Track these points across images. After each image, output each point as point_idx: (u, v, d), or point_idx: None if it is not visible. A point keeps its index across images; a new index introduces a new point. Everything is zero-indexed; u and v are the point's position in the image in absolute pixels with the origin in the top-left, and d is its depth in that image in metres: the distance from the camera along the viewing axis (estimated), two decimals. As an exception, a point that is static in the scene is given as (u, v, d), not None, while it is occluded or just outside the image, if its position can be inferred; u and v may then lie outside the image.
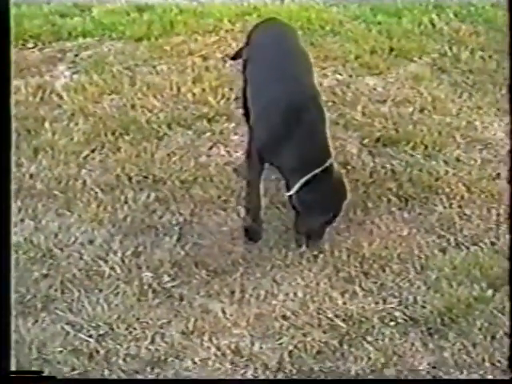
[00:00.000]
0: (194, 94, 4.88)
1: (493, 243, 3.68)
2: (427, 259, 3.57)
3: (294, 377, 3.02)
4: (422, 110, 4.84)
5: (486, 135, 4.59)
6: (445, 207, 3.92)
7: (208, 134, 4.48)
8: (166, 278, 3.41)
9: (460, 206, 3.93)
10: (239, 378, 3.02)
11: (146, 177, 4.06)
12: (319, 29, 5.93)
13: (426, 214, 3.88)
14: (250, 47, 4.07)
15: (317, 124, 3.53)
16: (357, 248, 3.60)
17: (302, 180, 3.39)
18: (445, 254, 3.61)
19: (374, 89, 5.11)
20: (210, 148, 4.36)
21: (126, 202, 3.87)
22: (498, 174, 4.20)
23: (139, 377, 3.01)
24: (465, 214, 3.88)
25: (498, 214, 3.87)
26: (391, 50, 5.62)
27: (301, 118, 3.46)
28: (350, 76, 5.23)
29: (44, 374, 2.86)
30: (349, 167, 4.20)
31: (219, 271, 3.45)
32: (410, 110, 4.84)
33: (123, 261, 3.49)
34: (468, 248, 3.65)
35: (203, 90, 4.92)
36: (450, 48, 5.67)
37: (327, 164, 3.44)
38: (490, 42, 5.82)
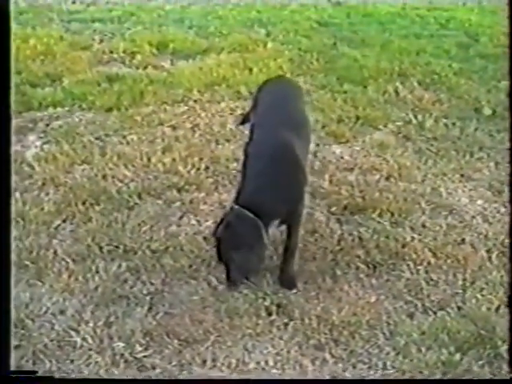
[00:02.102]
0: (164, 164, 4.95)
1: (459, 308, 3.73)
2: (396, 325, 3.61)
3: None
4: (388, 178, 4.94)
5: (451, 201, 4.70)
6: (412, 273, 3.98)
7: (178, 203, 4.54)
8: (137, 348, 3.42)
9: (427, 272, 4.00)
10: None
11: (116, 247, 4.09)
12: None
13: (393, 280, 3.94)
14: (255, 112, 4.20)
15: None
16: (326, 315, 3.64)
17: None
18: (413, 319, 3.66)
19: (341, 157, 5.22)
20: (180, 217, 4.42)
21: (97, 272, 3.90)
22: (463, 239, 4.28)
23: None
24: (431, 280, 3.94)
25: (464, 279, 3.94)
26: (357, 118, 5.77)
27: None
28: (318, 145, 5.34)
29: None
30: (317, 235, 4.27)
31: (191, 340, 3.47)
32: (377, 177, 4.94)
33: (95, 331, 3.50)
34: (435, 313, 3.70)
35: (173, 159, 5.00)
36: (415, 116, 5.82)
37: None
38: (452, 109, 6.00)
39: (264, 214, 3.58)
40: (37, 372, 3.01)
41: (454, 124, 5.75)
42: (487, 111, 5.96)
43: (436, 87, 6.39)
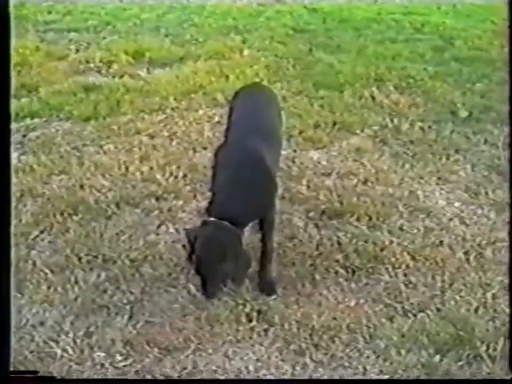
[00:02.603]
0: (141, 173, 4.96)
1: (439, 309, 3.75)
2: (375, 328, 3.63)
3: None
4: (365, 182, 4.96)
5: (428, 204, 4.72)
6: (391, 276, 4.00)
7: (156, 212, 4.54)
8: (118, 358, 3.42)
9: (405, 275, 4.02)
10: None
11: (95, 256, 4.09)
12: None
13: (372, 283, 3.96)
14: (230, 118, 4.21)
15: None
16: (306, 320, 3.65)
17: None
18: (392, 322, 3.68)
19: (319, 162, 5.24)
20: (159, 226, 4.42)
21: (76, 283, 3.89)
22: (441, 242, 4.31)
23: None
24: (410, 282, 3.96)
25: (443, 281, 3.96)
26: (334, 123, 5.80)
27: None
28: (295, 151, 5.36)
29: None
30: (295, 240, 4.28)
31: (171, 349, 3.47)
32: (354, 182, 4.97)
33: (75, 341, 3.49)
34: (415, 315, 3.72)
35: (151, 168, 5.01)
36: (391, 120, 5.86)
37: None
38: (428, 112, 6.05)
39: (238, 223, 3.59)
40: (37, 372, 3.02)
41: (430, 127, 5.78)
42: (463, 113, 6.01)
43: (412, 91, 6.43)
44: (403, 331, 3.60)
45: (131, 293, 3.84)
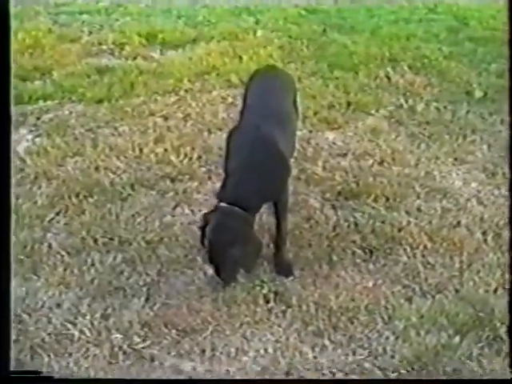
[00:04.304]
0: (156, 155, 4.93)
1: (457, 290, 3.73)
2: (394, 309, 3.60)
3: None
4: (381, 163, 4.92)
5: (445, 184, 4.68)
6: (408, 257, 3.97)
7: (171, 193, 4.52)
8: (136, 339, 3.41)
9: (423, 255, 3.99)
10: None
11: (111, 238, 4.07)
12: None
13: (390, 264, 3.93)
14: (245, 102, 4.17)
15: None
16: (324, 301, 3.63)
17: None
18: (411, 303, 3.65)
19: (334, 143, 5.20)
20: (174, 208, 4.40)
21: (92, 265, 3.88)
22: (459, 222, 4.27)
23: None
24: (428, 263, 3.93)
25: (461, 262, 3.93)
26: (349, 104, 5.75)
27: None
28: (310, 131, 5.32)
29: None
30: (312, 222, 4.25)
31: (189, 330, 3.45)
32: (370, 162, 4.93)
33: (92, 323, 3.48)
34: (433, 296, 3.69)
35: (165, 150, 4.98)
36: (406, 100, 5.80)
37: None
38: (443, 93, 5.98)
39: (248, 208, 3.57)
40: (38, 372, 3.02)
41: (445, 107, 5.73)
42: (478, 94, 5.95)
43: (427, 71, 6.36)
44: (422, 312, 3.57)
45: (148, 275, 3.82)
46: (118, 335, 3.41)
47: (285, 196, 3.84)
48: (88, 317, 3.53)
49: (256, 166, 3.65)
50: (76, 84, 6.02)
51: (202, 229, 3.60)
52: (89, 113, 5.58)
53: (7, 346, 2.66)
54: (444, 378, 3.26)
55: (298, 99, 4.51)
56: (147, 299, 3.66)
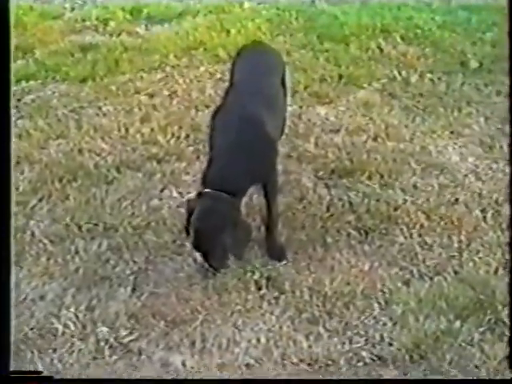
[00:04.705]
0: (142, 135, 4.77)
1: (456, 272, 3.59)
2: (391, 293, 3.47)
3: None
4: (375, 138, 4.77)
5: (441, 160, 4.54)
6: (405, 237, 3.83)
7: (158, 175, 4.36)
8: (122, 332, 3.26)
9: (420, 235, 3.85)
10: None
11: (96, 224, 3.92)
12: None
13: (386, 245, 3.79)
14: (231, 80, 3.99)
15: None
16: (318, 286, 3.49)
17: None
18: (409, 286, 3.52)
19: (326, 118, 5.04)
20: (162, 190, 4.24)
21: (77, 253, 3.73)
22: (457, 199, 4.13)
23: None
24: (426, 243, 3.80)
25: (460, 241, 3.79)
26: (340, 77, 5.58)
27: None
28: (301, 107, 5.15)
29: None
30: (305, 202, 4.10)
31: (178, 321, 3.31)
32: (364, 138, 4.77)
33: (77, 316, 3.34)
34: (432, 279, 3.56)
35: (151, 129, 4.81)
36: (399, 72, 5.64)
37: None
38: (437, 63, 5.82)
39: (235, 191, 3.42)
40: (38, 372, 2.93)
41: (439, 79, 5.56)
42: (473, 64, 5.78)
43: (420, 42, 6.18)
44: (420, 296, 3.44)
45: (135, 262, 3.68)
46: (103, 328, 3.26)
47: (273, 177, 3.69)
48: (72, 309, 3.38)
49: (241, 148, 3.49)
50: (59, 63, 5.83)
51: (188, 217, 3.43)
52: (72, 92, 5.40)
53: (7, 346, 2.61)
54: (445, 364, 3.12)
55: (287, 76, 4.32)
56: (134, 289, 3.52)
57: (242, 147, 3.49)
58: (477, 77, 5.60)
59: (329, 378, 3.09)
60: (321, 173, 4.37)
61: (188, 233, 3.46)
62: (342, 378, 3.09)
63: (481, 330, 3.25)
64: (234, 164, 3.46)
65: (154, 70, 5.74)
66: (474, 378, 3.07)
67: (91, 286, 3.53)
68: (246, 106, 3.60)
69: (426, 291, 3.46)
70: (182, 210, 3.91)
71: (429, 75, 5.61)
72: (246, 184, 3.52)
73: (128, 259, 3.69)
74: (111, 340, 3.22)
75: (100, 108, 5.16)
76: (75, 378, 3.06)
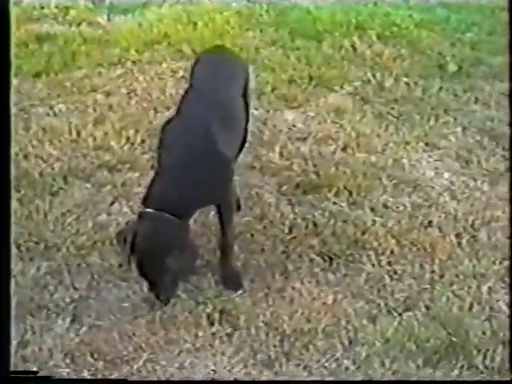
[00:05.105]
0: (94, 139, 4.43)
1: (428, 307, 3.30)
2: (356, 331, 3.16)
3: None
4: (344, 148, 4.46)
5: (415, 175, 4.24)
6: (373, 265, 3.53)
7: (108, 186, 4.02)
8: (55, 371, 2.93)
9: (390, 263, 3.55)
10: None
11: (37, 243, 3.59)
12: (233, 57, 5.50)
13: (352, 274, 3.49)
14: (186, 90, 3.62)
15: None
16: (276, 322, 3.19)
17: None
18: (375, 323, 3.21)
19: (293, 125, 4.72)
20: (111, 204, 3.90)
21: (13, 276, 3.36)
22: (430, 222, 3.83)
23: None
24: (395, 273, 3.50)
25: (432, 271, 3.50)
26: (311, 78, 5.26)
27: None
28: (268, 111, 4.83)
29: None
30: (266, 221, 3.78)
31: (118, 361, 2.99)
32: (333, 148, 4.47)
33: (6, 353, 2.98)
34: (400, 315, 3.26)
35: (105, 133, 4.47)
36: (373, 75, 5.32)
37: None
38: (414, 66, 5.50)
39: (180, 213, 3.09)
40: (37, 372, 2.77)
41: (416, 83, 5.25)
42: (452, 67, 5.47)
43: (396, 41, 5.85)
44: (387, 335, 3.14)
45: (75, 289, 3.35)
46: (34, 368, 2.92)
47: (227, 198, 3.35)
48: (2, 344, 3.02)
49: (190, 167, 3.14)
50: (12, 55, 5.41)
51: (131, 241, 3.08)
52: (24, 88, 5.02)
53: (7, 346, 2.55)
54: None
55: (252, 83, 3.99)
56: (73, 320, 3.19)
57: (191, 166, 3.15)
58: (455, 81, 5.30)
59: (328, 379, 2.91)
60: (285, 187, 4.06)
61: (129, 261, 3.10)
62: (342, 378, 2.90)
63: (452, 377, 2.94)
64: (181, 183, 3.12)
65: (112, 66, 5.39)
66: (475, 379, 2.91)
67: (26, 315, 3.20)
68: (198, 120, 3.26)
69: (393, 330, 3.16)
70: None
71: (404, 79, 5.30)
72: (192, 205, 3.19)
73: (68, 285, 3.36)
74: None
75: (52, 107, 4.81)
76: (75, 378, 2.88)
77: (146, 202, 3.13)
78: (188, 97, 3.46)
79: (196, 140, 3.19)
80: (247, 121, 3.67)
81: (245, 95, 3.62)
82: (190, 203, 3.15)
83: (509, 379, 2.92)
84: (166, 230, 3.03)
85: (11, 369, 2.86)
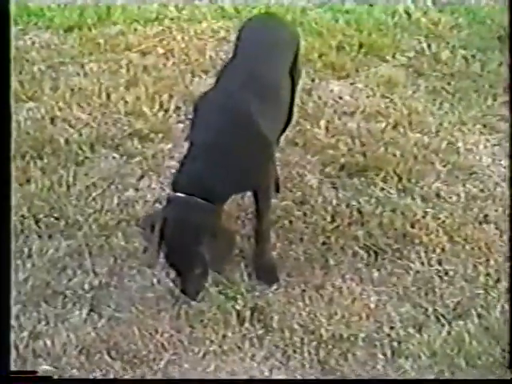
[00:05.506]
0: (125, 103, 4.12)
1: (480, 316, 2.97)
2: (400, 341, 2.86)
3: None
4: (395, 126, 4.11)
5: (471, 161, 3.89)
6: (422, 263, 3.22)
7: (138, 157, 3.72)
8: (67, 371, 2.67)
9: (440, 262, 3.23)
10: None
11: (57, 218, 3.31)
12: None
13: (399, 273, 3.18)
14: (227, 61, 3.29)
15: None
16: (313, 325, 2.89)
17: None
18: (421, 332, 2.90)
19: (340, 97, 4.37)
20: (140, 178, 3.61)
21: (29, 257, 3.11)
22: (486, 216, 3.48)
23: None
24: (446, 274, 3.18)
25: (487, 274, 3.16)
26: (361, 46, 4.88)
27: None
28: (313, 80, 4.47)
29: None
30: (306, 206, 3.46)
31: (137, 361, 2.73)
32: (382, 125, 4.10)
33: (16, 346, 2.73)
34: (450, 323, 2.95)
35: (137, 97, 4.16)
36: (428, 45, 4.92)
37: None
38: (472, 37, 5.09)
39: (213, 198, 2.77)
40: (37, 372, 2.60)
41: (473, 57, 4.85)
42: (513, 40, 5.04)
43: (453, 8, 5.43)
44: (434, 348, 2.83)
45: (96, 274, 3.07)
46: (45, 366, 2.66)
47: (265, 183, 3.04)
48: (12, 335, 2.76)
49: (226, 149, 2.82)
50: (44, 6, 5.12)
51: (159, 228, 2.77)
52: (54, 44, 4.73)
53: (7, 346, 2.46)
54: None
55: (300, 67, 3.60)
56: (91, 310, 2.92)
57: (227, 147, 2.82)
58: (517, 56, 4.88)
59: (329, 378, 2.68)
60: (328, 168, 3.74)
61: (158, 249, 2.80)
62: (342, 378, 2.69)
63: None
64: (215, 166, 2.80)
65: (149, 22, 5.04)
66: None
67: (40, 302, 2.93)
68: (237, 97, 2.92)
69: (441, 341, 2.86)
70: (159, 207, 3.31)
71: (462, 51, 4.90)
72: (227, 190, 2.87)
73: (88, 269, 3.09)
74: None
75: (82, 66, 4.51)
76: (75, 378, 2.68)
77: (176, 185, 2.82)
78: (228, 69, 3.13)
79: (233, 119, 2.86)
80: (293, 100, 3.32)
81: (292, 71, 3.27)
82: (224, 188, 2.83)
83: (509, 378, 2.69)
84: (198, 216, 2.72)
85: (20, 363, 2.66)
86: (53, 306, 2.93)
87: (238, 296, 2.98)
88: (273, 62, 3.13)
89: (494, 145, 4.05)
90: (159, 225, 2.74)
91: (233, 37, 4.72)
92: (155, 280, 3.06)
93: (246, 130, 2.87)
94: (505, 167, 3.86)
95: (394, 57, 4.81)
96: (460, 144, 4.02)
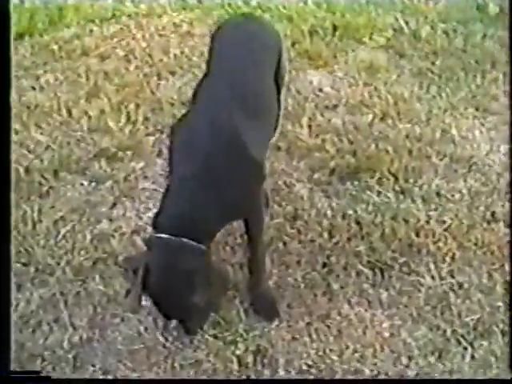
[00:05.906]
0: (89, 118, 3.76)
1: (504, 333, 2.68)
2: (418, 372, 2.56)
3: None
4: (383, 118, 3.82)
5: (468, 150, 3.61)
6: (433, 277, 2.92)
7: (108, 182, 3.37)
8: None
9: (452, 274, 2.93)
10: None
11: (25, 265, 2.96)
12: (243, 6, 4.82)
13: (409, 291, 2.87)
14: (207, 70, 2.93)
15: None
16: (323, 363, 2.60)
17: None
18: (442, 358, 2.61)
19: (320, 89, 4.05)
20: (112, 206, 3.26)
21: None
22: (493, 214, 3.19)
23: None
24: (461, 287, 2.88)
25: (505, 281, 2.87)
26: (335, 28, 4.56)
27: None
28: (289, 71, 4.13)
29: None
30: (299, 222, 3.14)
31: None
32: (369, 118, 3.80)
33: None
34: (472, 345, 2.66)
35: (101, 111, 3.80)
36: (406, 22, 4.61)
37: None
38: (450, 9, 4.79)
39: (202, 236, 2.44)
40: (38, 372, 2.48)
41: (454, 30, 4.56)
42: (493, 9, 4.76)
43: (427, -21, 5.11)
44: (457, 375, 2.53)
45: (75, 328, 2.73)
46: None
47: (257, 210, 2.71)
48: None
49: (212, 177, 2.48)
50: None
51: (142, 276, 2.42)
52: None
53: (7, 346, 2.34)
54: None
55: (286, 64, 3.26)
56: (74, 372, 2.57)
57: (214, 178, 2.48)
58: (498, 26, 4.59)
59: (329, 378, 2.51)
60: (317, 174, 3.42)
61: (139, 299, 2.46)
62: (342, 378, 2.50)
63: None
64: (200, 200, 2.46)
65: (106, 21, 4.69)
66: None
67: (15, 370, 2.58)
68: (221, 119, 2.58)
69: (466, 368, 2.56)
70: (139, 238, 2.98)
71: (441, 25, 4.60)
72: (215, 226, 2.55)
73: (66, 322, 2.75)
74: None
75: (37, 78, 4.14)
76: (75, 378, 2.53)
77: (158, 224, 2.48)
78: (207, 86, 2.76)
79: (220, 144, 2.52)
80: (279, 108, 2.99)
81: (276, 77, 2.93)
82: (213, 224, 2.51)
83: (509, 378, 2.52)
84: (187, 261, 2.39)
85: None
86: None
87: (238, 339, 2.66)
88: (256, 71, 2.79)
89: (490, 129, 3.75)
90: (142, 271, 2.40)
91: (197, 30, 4.41)
92: (142, 328, 2.72)
93: (235, 154, 2.53)
94: (504, 154, 3.56)
95: (371, 38, 4.53)
96: (454, 131, 3.74)
